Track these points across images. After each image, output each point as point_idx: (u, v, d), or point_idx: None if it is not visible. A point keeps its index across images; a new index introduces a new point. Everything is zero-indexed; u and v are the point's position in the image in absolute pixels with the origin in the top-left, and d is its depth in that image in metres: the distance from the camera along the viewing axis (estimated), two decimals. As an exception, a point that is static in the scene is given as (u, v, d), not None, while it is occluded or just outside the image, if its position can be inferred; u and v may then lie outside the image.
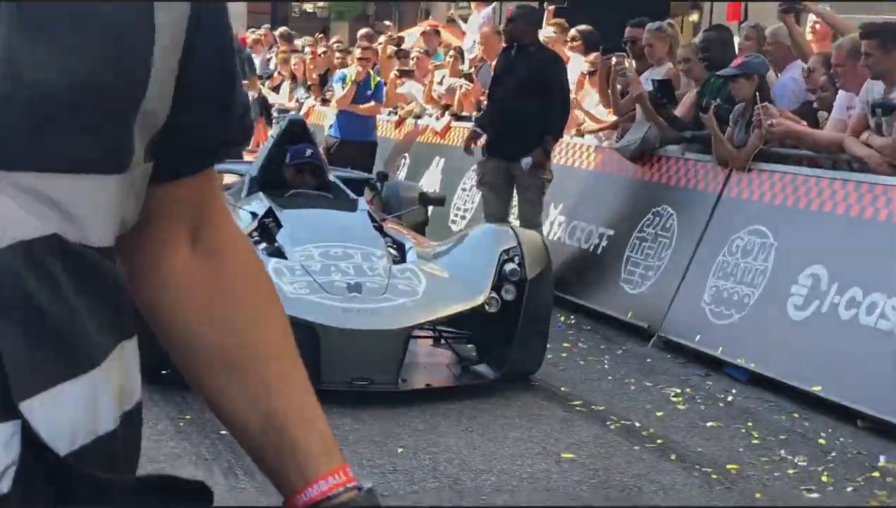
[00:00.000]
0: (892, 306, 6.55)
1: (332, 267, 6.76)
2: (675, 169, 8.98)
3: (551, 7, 12.94)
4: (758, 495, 5.18)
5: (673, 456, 5.71)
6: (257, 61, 17.83)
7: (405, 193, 9.79)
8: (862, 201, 7.13)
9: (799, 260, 7.41)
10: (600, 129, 10.03)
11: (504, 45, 9.82)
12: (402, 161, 13.96)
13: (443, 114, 12.93)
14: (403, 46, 15.56)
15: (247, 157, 11.29)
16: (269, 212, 7.54)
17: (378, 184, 9.53)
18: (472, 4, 17.61)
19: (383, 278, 6.72)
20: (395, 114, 14.17)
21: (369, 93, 12.91)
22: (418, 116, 13.71)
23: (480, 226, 7.98)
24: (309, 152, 8.42)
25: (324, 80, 14.98)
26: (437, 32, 16.46)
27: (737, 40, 9.34)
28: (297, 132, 8.71)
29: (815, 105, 8.33)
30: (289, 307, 6.07)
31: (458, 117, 12.65)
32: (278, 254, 7.02)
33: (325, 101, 14.80)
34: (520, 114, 9.07)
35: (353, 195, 8.50)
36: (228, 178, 9.79)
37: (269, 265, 6.74)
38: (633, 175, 9.39)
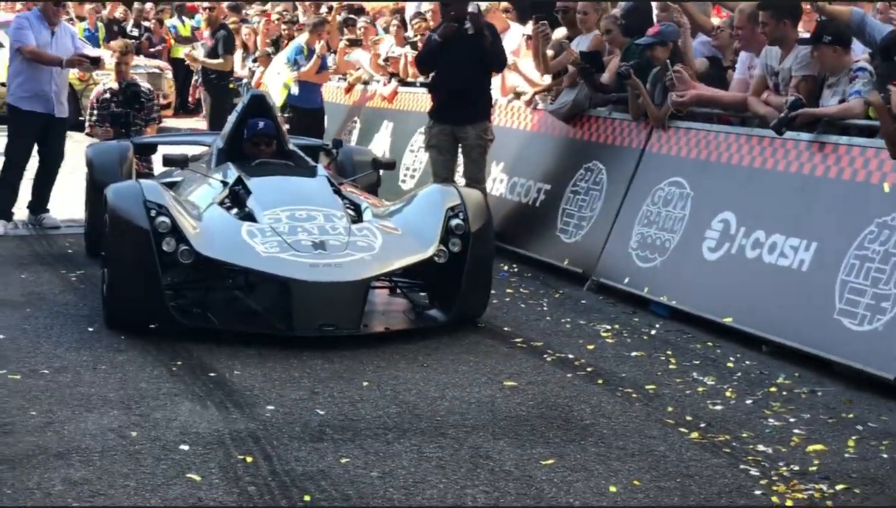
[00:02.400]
0: (790, 246, 7.35)
1: (298, 228, 7.33)
2: (603, 128, 9.70)
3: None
4: (670, 409, 6.02)
5: (600, 381, 6.54)
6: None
7: (358, 158, 10.26)
8: (764, 154, 7.90)
9: (711, 208, 8.16)
10: (535, 93, 10.67)
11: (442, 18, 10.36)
12: (353, 125, 14.54)
13: (389, 81, 13.53)
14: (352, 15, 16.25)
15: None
16: (239, 181, 8.02)
17: (334, 151, 10.01)
18: None
19: (344, 236, 7.34)
20: (345, 80, 14.72)
21: (329, 59, 13.79)
22: (366, 82, 14.27)
23: (427, 187, 8.48)
24: (262, 124, 8.77)
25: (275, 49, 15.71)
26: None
27: (654, 11, 9.99)
28: (257, 106, 9.07)
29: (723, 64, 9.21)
30: (262, 264, 7.09)
31: (403, 83, 13.27)
32: (249, 218, 7.55)
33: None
34: (464, 83, 9.79)
35: (312, 162, 9.06)
36: (197, 150, 10.33)
37: (242, 228, 7.37)
38: (566, 134, 10.13)
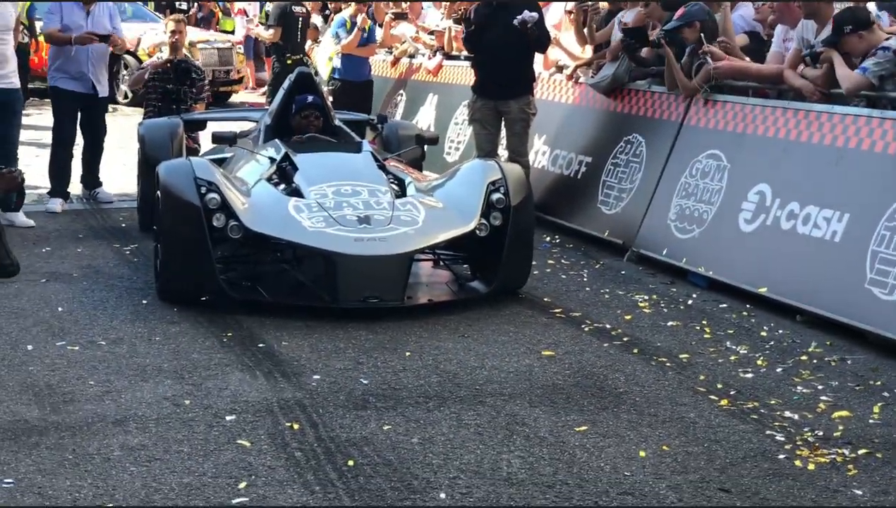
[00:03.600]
0: (823, 217, 7.47)
1: (343, 203, 7.44)
2: (643, 101, 9.83)
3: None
4: (702, 377, 6.20)
5: (635, 350, 6.73)
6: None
7: (403, 132, 10.36)
8: (799, 126, 8.02)
9: (748, 180, 8.28)
10: (577, 67, 10.75)
11: None
12: (399, 98, 14.66)
13: (434, 54, 13.67)
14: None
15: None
16: (286, 157, 8.12)
17: (379, 126, 10.19)
18: None
19: (388, 211, 7.44)
20: (391, 54, 14.82)
21: (365, 36, 13.59)
22: (412, 56, 14.36)
23: (469, 162, 8.63)
24: (310, 99, 8.93)
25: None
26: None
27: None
28: (304, 83, 9.24)
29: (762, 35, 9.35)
30: (308, 239, 7.24)
31: (448, 56, 13.38)
32: (296, 193, 7.66)
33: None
34: (506, 59, 9.90)
35: (356, 138, 9.18)
36: (246, 126, 10.48)
37: (289, 204, 7.50)
38: (607, 107, 10.26)
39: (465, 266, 8.18)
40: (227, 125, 10.83)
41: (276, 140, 8.56)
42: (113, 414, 5.67)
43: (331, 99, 11.67)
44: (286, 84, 9.43)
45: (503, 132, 10.41)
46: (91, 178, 11.17)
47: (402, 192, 7.96)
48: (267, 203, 7.57)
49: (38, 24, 15.97)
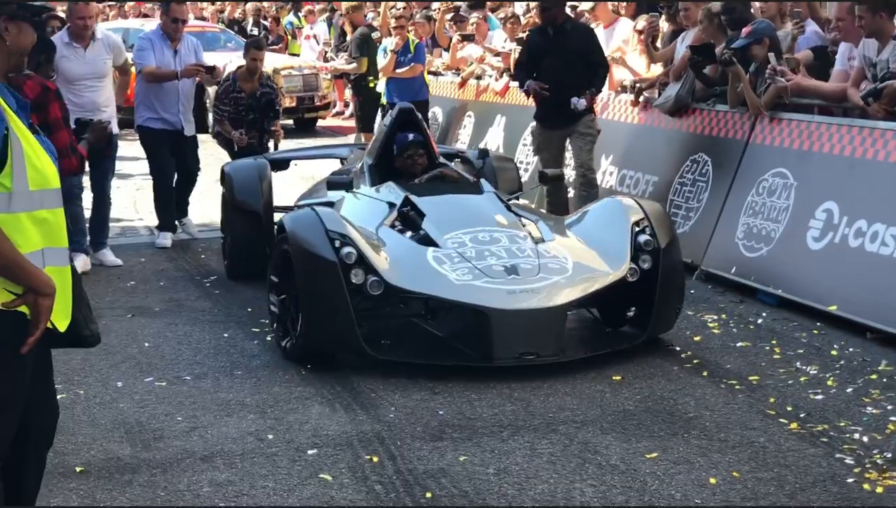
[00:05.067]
0: (891, 234, 7.50)
1: (485, 252, 6.92)
2: (707, 120, 9.91)
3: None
4: (771, 399, 6.28)
5: (705, 373, 6.80)
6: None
7: (499, 165, 9.92)
8: (864, 144, 8.06)
9: (815, 198, 8.31)
10: (641, 88, 10.76)
11: (540, 24, 10.59)
12: (468, 119, 14.81)
13: (501, 76, 13.88)
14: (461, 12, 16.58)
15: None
16: (406, 201, 7.55)
17: (481, 161, 9.39)
18: None
19: (534, 258, 6.92)
20: (458, 75, 15.08)
21: (409, 56, 13.61)
22: (479, 77, 14.56)
23: (605, 201, 7.90)
24: (411, 136, 8.35)
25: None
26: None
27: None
28: (406, 119, 8.63)
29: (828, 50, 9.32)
30: (458, 293, 6.64)
31: (514, 78, 13.55)
32: (426, 242, 7.12)
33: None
34: (567, 88, 9.97)
35: (470, 176, 8.53)
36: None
37: (427, 254, 6.98)
38: (672, 127, 10.35)
39: (594, 310, 7.64)
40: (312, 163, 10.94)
41: (391, 182, 8.00)
42: (200, 450, 5.86)
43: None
44: (387, 120, 8.88)
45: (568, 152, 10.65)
46: (180, 211, 11.20)
47: (539, 236, 7.41)
48: (404, 254, 7.06)
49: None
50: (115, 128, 8.83)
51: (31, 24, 4.30)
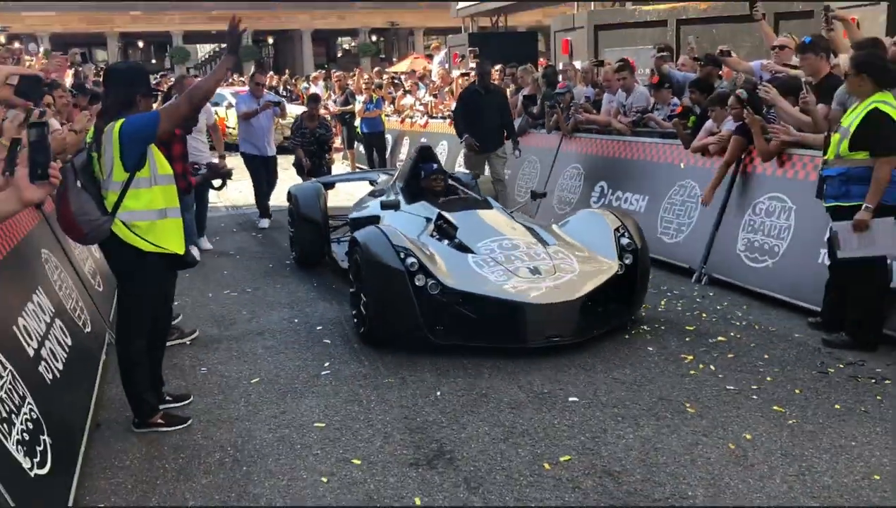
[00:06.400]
0: (635, 198, 8.49)
1: (511, 256, 6.34)
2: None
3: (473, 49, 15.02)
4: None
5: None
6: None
7: (486, 186, 9.55)
8: (621, 150, 9.06)
9: (595, 180, 9.15)
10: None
11: (476, 86, 10.54)
12: (405, 142, 16.39)
13: (422, 116, 15.81)
14: (398, 71, 17.46)
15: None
16: (440, 216, 7.01)
17: (473, 182, 9.08)
18: (432, 46, 21.15)
19: (549, 260, 6.30)
20: (399, 115, 16.76)
21: (373, 105, 15.74)
22: (411, 117, 16.36)
23: (586, 212, 7.47)
24: (434, 167, 7.84)
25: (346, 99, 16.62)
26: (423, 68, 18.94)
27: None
28: (425, 155, 8.36)
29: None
30: (500, 292, 5.88)
31: (431, 116, 15.52)
32: (461, 247, 6.55)
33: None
34: (493, 128, 10.28)
35: (478, 195, 7.96)
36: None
37: (468, 259, 6.30)
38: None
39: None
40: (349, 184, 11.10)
41: (423, 201, 7.41)
42: (256, 329, 6.47)
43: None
44: (413, 154, 8.42)
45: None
46: (262, 209, 11.55)
47: (543, 241, 6.70)
48: (450, 260, 6.35)
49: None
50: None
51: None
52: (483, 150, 10.09)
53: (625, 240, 6.59)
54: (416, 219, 7.14)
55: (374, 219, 7.37)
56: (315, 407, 5.01)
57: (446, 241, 6.64)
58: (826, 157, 5.47)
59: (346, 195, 11.55)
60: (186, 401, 5.20)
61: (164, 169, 4.54)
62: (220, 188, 6.14)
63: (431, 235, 6.76)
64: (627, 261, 6.51)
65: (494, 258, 6.31)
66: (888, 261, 5.47)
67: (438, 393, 5.21)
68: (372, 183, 9.67)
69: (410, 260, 6.06)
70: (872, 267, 5.45)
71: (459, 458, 4.33)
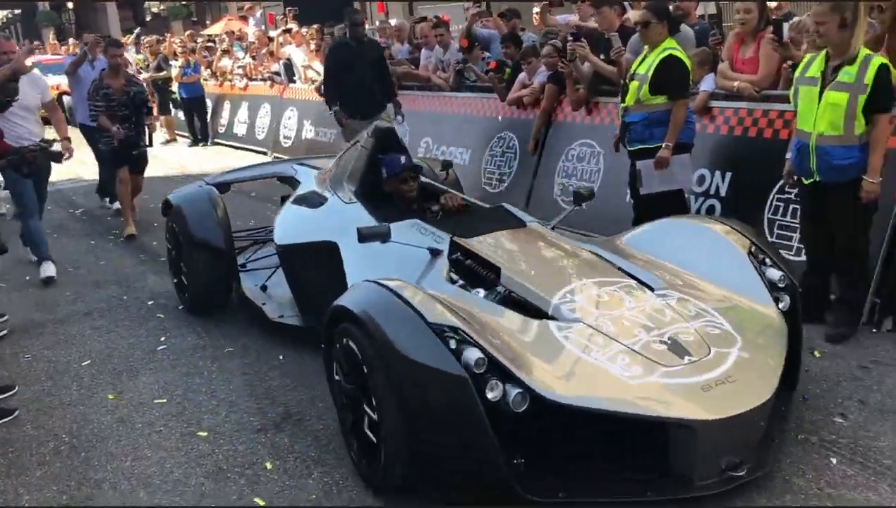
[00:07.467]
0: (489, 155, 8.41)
1: (623, 321, 3.67)
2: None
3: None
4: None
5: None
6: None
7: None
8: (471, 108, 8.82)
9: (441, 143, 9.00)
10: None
11: (347, 39, 8.76)
12: (226, 105, 15.99)
13: (242, 78, 15.38)
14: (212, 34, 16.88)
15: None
16: (455, 245, 4.36)
17: (443, 173, 6.18)
18: (246, 7, 21.75)
19: (683, 322, 3.67)
20: (218, 78, 16.31)
21: (190, 70, 15.27)
22: (231, 80, 15.88)
23: (671, 221, 4.64)
24: (402, 160, 5.12)
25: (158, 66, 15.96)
26: (239, 29, 18.75)
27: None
28: (386, 142, 5.36)
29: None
30: (646, 404, 3.02)
31: (251, 79, 15.22)
32: (520, 306, 3.91)
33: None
34: (370, 89, 8.46)
35: (481, 204, 5.23)
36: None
37: (554, 331, 3.67)
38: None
39: None
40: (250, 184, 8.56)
41: (419, 221, 4.65)
42: (82, 310, 6.26)
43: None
44: (363, 141, 5.54)
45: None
46: (109, 189, 10.16)
47: (643, 284, 4.00)
48: (525, 336, 3.62)
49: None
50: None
51: None
52: (362, 117, 8.35)
53: (774, 273, 4.05)
54: (410, 251, 4.27)
55: (325, 248, 4.71)
56: (154, 383, 4.94)
57: (482, 291, 3.95)
58: (625, 104, 5.72)
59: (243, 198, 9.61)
60: (11, 392, 4.98)
61: None
62: (29, 174, 5.83)
63: (451, 280, 4.04)
64: (782, 307, 3.94)
65: (598, 327, 3.61)
66: (685, 195, 5.90)
67: (281, 357, 5.16)
68: (282, 180, 6.58)
69: (470, 351, 3.23)
70: (673, 199, 5.70)
71: (307, 419, 4.28)
